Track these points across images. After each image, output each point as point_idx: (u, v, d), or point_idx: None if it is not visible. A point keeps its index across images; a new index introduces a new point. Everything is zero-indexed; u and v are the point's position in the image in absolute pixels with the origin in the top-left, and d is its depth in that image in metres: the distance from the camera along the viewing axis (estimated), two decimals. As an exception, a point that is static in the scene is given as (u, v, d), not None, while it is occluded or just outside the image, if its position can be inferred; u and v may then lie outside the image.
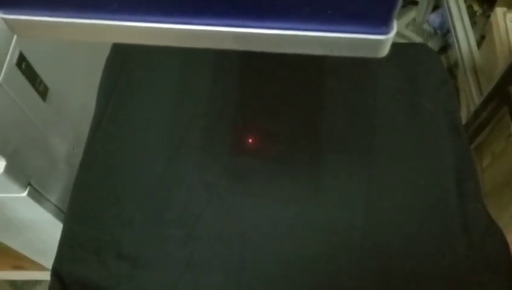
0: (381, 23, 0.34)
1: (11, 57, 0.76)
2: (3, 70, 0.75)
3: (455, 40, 1.47)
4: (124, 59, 0.95)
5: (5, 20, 0.34)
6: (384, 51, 0.36)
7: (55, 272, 0.75)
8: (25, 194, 0.84)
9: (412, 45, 1.32)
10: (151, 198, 0.80)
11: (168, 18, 0.33)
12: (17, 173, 0.80)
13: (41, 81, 0.85)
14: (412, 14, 1.82)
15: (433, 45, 1.73)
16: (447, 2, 1.54)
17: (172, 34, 0.34)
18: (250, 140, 0.87)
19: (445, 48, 1.72)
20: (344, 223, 0.78)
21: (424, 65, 0.96)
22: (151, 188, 0.81)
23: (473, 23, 1.52)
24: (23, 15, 0.34)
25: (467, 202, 0.79)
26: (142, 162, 0.84)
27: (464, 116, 1.34)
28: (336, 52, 0.35)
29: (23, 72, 0.79)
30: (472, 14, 1.58)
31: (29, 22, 0.34)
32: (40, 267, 1.21)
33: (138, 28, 0.34)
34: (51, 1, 0.33)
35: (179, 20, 0.33)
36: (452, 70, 1.61)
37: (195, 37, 0.34)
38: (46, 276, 1.27)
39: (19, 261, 1.19)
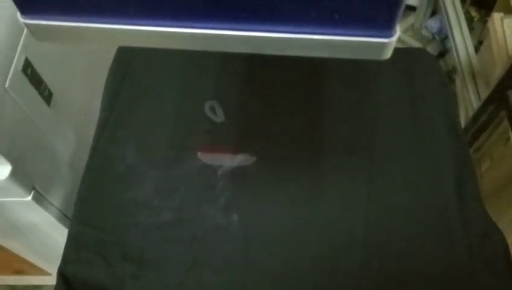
0: (385, 27, 0.35)
1: (17, 63, 0.77)
2: (9, 75, 0.76)
3: (453, 46, 1.48)
4: (128, 63, 0.96)
5: (26, 25, 0.35)
6: (388, 54, 0.38)
7: (61, 273, 0.75)
8: (29, 198, 0.84)
9: (411, 50, 1.33)
10: (156, 200, 0.81)
11: (181, 22, 0.35)
12: (22, 177, 0.81)
13: (46, 86, 0.86)
14: (410, 19, 1.83)
15: (432, 50, 1.74)
16: (445, 8, 1.55)
17: (185, 38, 0.35)
18: (251, 142, 0.88)
19: (443, 53, 1.73)
20: (345, 224, 0.78)
21: (423, 69, 0.97)
22: (156, 190, 0.82)
23: (471, 29, 1.52)
24: (43, 20, 0.35)
25: (467, 203, 0.80)
26: (146, 165, 0.85)
27: (462, 121, 1.34)
28: (341, 55, 0.37)
29: (29, 78, 0.80)
30: (470, 20, 1.59)
31: (49, 27, 0.35)
32: (41, 272, 1.21)
33: (153, 32, 0.35)
34: (70, 6, 0.34)
35: (192, 24, 0.35)
36: (450, 75, 1.62)
37: (206, 40, 0.36)
38: (47, 281, 1.28)
39: (19, 265, 1.19)
